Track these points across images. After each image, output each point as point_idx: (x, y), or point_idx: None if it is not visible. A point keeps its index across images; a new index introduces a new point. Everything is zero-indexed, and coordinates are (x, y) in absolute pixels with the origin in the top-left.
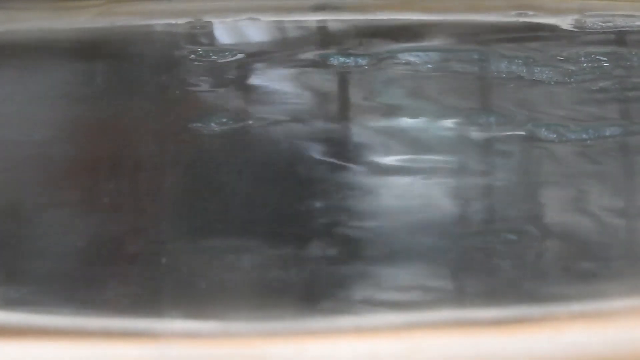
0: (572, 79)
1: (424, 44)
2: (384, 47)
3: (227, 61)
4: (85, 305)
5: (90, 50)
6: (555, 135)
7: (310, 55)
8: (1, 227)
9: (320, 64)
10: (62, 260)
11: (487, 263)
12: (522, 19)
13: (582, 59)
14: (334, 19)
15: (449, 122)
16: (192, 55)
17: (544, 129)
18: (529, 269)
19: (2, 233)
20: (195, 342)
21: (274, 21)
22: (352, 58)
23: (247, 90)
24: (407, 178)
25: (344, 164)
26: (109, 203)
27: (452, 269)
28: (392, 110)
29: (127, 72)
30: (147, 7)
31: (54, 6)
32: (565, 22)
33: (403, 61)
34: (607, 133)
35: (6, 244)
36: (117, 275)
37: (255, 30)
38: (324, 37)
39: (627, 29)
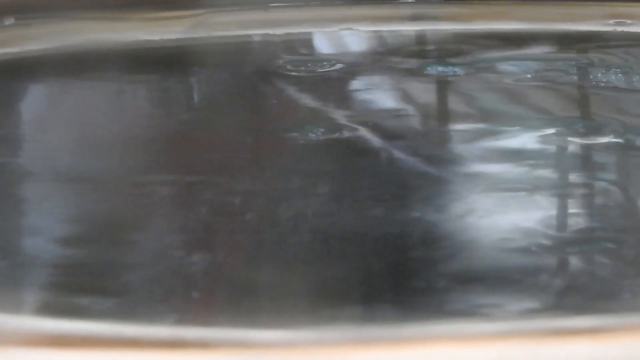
0: None
1: (522, 53)
2: (481, 56)
3: (325, 71)
4: (181, 315)
5: (186, 61)
6: None
7: (407, 64)
8: (95, 239)
9: (418, 73)
10: (157, 270)
11: (585, 271)
12: (619, 28)
13: None
14: (432, 28)
15: (547, 131)
16: (290, 66)
17: None
18: (628, 278)
19: (96, 245)
20: (291, 351)
21: (371, 31)
22: (449, 67)
23: (345, 100)
24: (505, 187)
25: (442, 173)
26: (205, 213)
27: (549, 277)
28: (490, 120)
29: (224, 82)
30: (244, 17)
31: (151, 17)
32: None
33: (501, 70)
34: None
35: (101, 255)
36: (212, 285)
37: (353, 40)
38: (422, 47)
39: None
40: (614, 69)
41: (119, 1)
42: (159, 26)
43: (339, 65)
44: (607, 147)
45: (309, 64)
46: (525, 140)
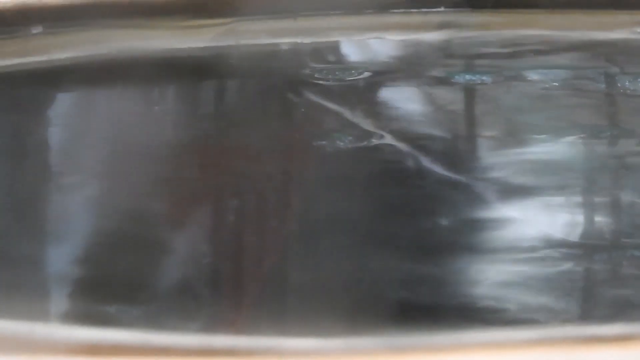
0: None
1: (550, 61)
2: (509, 64)
3: (353, 79)
4: (210, 323)
5: (214, 69)
6: None
7: (435, 72)
8: (125, 246)
9: (445, 81)
10: (186, 278)
11: (613, 279)
12: None
13: None
14: (459, 37)
15: (574, 139)
16: (318, 74)
17: None
18: None
19: (125, 252)
20: (321, 359)
21: (399, 39)
22: (477, 75)
23: (373, 108)
24: (533, 194)
25: (469, 181)
26: (234, 221)
27: (578, 285)
28: (517, 127)
29: (252, 90)
30: (273, 25)
31: (179, 25)
32: None
33: (528, 78)
34: None
35: (130, 263)
36: (242, 293)
37: (381, 48)
38: (449, 55)
39: None
40: None
41: (147, 9)
42: (188, 34)
43: (367, 74)
44: (635, 154)
45: (337, 72)
46: (553, 147)
